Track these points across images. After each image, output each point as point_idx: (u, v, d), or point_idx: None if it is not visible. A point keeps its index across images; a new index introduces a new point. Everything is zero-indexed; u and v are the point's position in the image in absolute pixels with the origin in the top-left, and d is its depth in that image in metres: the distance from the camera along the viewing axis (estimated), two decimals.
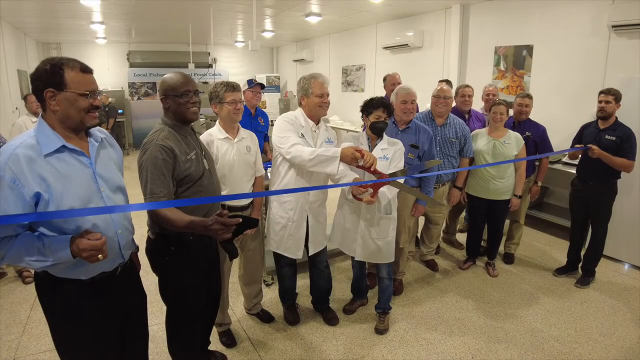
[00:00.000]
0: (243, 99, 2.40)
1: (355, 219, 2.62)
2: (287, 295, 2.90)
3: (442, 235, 4.12)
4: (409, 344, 2.67)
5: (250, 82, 3.77)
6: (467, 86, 3.85)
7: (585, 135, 3.33)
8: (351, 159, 2.20)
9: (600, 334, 2.77)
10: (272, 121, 6.77)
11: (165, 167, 1.72)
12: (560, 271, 3.58)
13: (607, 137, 3.14)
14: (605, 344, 2.66)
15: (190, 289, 1.93)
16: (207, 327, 2.28)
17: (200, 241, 1.92)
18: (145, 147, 1.77)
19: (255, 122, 3.82)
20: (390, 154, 2.52)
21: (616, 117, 3.18)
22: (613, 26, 4.13)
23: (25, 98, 4.30)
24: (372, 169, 2.19)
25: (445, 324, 2.88)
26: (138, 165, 1.78)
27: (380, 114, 2.45)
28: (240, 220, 1.59)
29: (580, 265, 3.50)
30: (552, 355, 2.55)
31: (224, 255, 2.40)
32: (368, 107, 2.51)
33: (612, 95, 3.10)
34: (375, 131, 2.51)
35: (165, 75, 1.87)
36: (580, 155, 3.40)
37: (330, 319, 2.89)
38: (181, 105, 1.81)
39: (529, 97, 3.60)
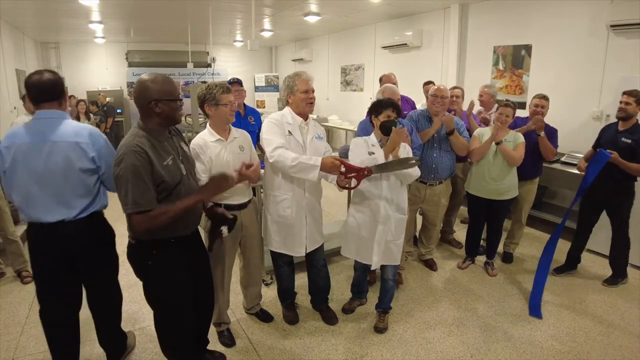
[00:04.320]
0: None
1: (373, 225, 2.59)
2: (286, 295, 2.90)
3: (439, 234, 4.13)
4: (408, 343, 2.67)
5: (229, 82, 3.56)
6: (456, 87, 3.95)
7: (604, 136, 3.29)
8: (330, 167, 2.30)
9: (599, 333, 2.78)
10: None
11: (145, 172, 1.66)
12: (559, 270, 3.58)
13: (623, 139, 3.10)
14: (604, 343, 2.67)
15: (174, 292, 1.92)
16: (203, 327, 2.28)
17: (182, 244, 1.90)
18: (120, 156, 1.67)
19: (245, 121, 3.71)
20: (402, 153, 2.53)
21: (637, 120, 3.12)
22: (612, 26, 4.14)
23: (23, 98, 4.29)
24: (356, 171, 2.32)
25: (444, 323, 2.88)
26: (114, 176, 1.68)
27: (390, 114, 2.49)
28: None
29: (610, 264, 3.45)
30: (550, 355, 2.55)
31: (219, 256, 2.40)
32: (377, 107, 2.54)
33: (633, 97, 3.05)
34: (385, 130, 2.51)
35: (149, 79, 1.74)
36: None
37: (330, 318, 2.89)
38: (176, 109, 1.78)
39: (546, 98, 3.49)
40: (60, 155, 1.90)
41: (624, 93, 3.11)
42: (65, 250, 2.00)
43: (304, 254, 2.66)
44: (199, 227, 2.09)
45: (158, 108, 1.73)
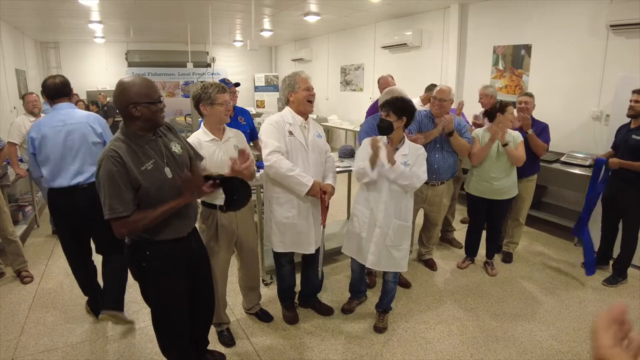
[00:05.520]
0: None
1: (372, 227, 2.60)
2: (287, 294, 2.90)
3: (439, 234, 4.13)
4: (408, 343, 2.67)
5: (225, 83, 3.53)
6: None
7: (618, 136, 3.35)
8: (315, 192, 2.48)
9: None
10: None
11: (120, 177, 1.65)
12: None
13: (633, 136, 3.15)
14: None
15: (169, 293, 1.91)
16: (203, 328, 2.27)
17: (177, 244, 1.89)
18: (99, 162, 1.68)
19: (235, 122, 3.62)
20: (411, 161, 2.53)
21: None
22: (611, 26, 4.13)
23: (23, 97, 4.30)
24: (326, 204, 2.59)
25: (444, 323, 2.89)
26: (96, 182, 1.70)
27: (383, 115, 2.52)
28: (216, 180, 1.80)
29: (612, 263, 3.51)
30: (550, 354, 2.56)
31: (214, 256, 2.40)
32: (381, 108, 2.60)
33: None
34: (380, 130, 2.53)
35: (126, 82, 1.71)
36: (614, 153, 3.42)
37: (326, 310, 2.93)
38: (156, 112, 1.74)
39: (529, 95, 3.59)
40: (77, 133, 2.58)
41: (634, 92, 3.17)
42: (78, 208, 2.56)
43: (314, 252, 2.67)
44: (196, 226, 2.09)
45: (137, 111, 1.70)
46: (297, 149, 2.49)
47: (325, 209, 2.58)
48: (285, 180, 2.44)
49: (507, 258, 3.84)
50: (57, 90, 2.63)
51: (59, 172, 2.56)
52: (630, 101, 3.17)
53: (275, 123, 2.47)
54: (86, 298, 2.96)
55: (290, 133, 2.47)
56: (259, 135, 2.52)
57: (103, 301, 2.71)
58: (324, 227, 2.65)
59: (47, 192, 2.66)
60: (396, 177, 2.47)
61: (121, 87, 1.71)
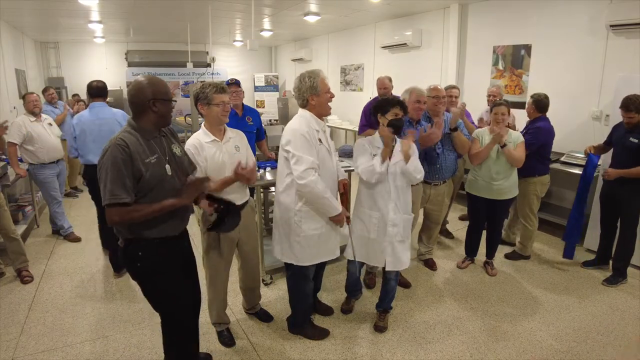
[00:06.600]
0: (229, 100, 2.37)
1: (382, 227, 2.56)
2: (309, 312, 2.78)
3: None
4: (408, 342, 2.67)
5: (227, 83, 3.54)
6: (454, 87, 3.95)
7: (615, 135, 3.38)
8: (340, 219, 2.42)
9: (598, 332, 2.78)
10: (270, 120, 6.71)
11: (125, 165, 1.68)
12: (589, 264, 3.67)
13: (631, 139, 3.16)
14: (603, 343, 2.67)
15: (167, 292, 1.92)
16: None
17: (170, 243, 1.90)
18: (104, 150, 1.72)
19: (243, 121, 3.65)
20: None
21: None
22: (611, 26, 4.13)
23: (23, 97, 4.30)
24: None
25: (444, 323, 2.89)
26: (98, 168, 1.72)
27: (398, 112, 2.49)
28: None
29: (611, 263, 3.52)
30: (550, 354, 2.56)
31: (216, 256, 2.40)
32: (385, 106, 2.52)
33: (632, 112, 3.11)
34: (395, 129, 2.48)
35: (147, 80, 1.80)
36: (612, 151, 3.44)
37: (326, 310, 2.92)
38: (170, 110, 1.85)
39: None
40: (107, 126, 3.44)
41: (621, 108, 3.17)
42: None
43: (339, 254, 2.63)
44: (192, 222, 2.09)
45: (155, 107, 1.79)
46: (325, 156, 2.36)
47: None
48: (317, 201, 2.29)
49: (511, 256, 3.89)
50: (98, 92, 3.54)
51: (93, 152, 3.40)
52: (623, 117, 3.19)
53: (307, 134, 2.25)
54: (86, 300, 2.95)
55: (320, 141, 2.33)
56: (287, 147, 2.30)
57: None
58: (341, 226, 2.59)
59: (84, 168, 3.58)
60: (414, 170, 2.51)
61: (142, 83, 1.79)
